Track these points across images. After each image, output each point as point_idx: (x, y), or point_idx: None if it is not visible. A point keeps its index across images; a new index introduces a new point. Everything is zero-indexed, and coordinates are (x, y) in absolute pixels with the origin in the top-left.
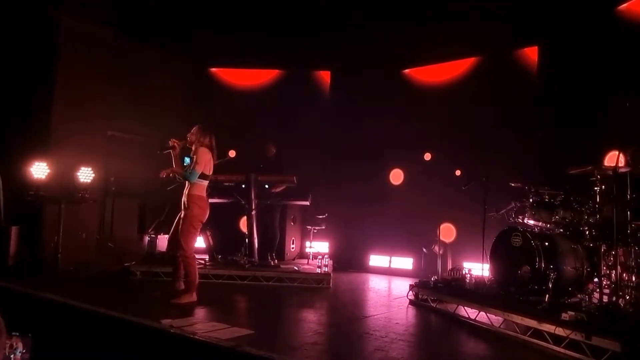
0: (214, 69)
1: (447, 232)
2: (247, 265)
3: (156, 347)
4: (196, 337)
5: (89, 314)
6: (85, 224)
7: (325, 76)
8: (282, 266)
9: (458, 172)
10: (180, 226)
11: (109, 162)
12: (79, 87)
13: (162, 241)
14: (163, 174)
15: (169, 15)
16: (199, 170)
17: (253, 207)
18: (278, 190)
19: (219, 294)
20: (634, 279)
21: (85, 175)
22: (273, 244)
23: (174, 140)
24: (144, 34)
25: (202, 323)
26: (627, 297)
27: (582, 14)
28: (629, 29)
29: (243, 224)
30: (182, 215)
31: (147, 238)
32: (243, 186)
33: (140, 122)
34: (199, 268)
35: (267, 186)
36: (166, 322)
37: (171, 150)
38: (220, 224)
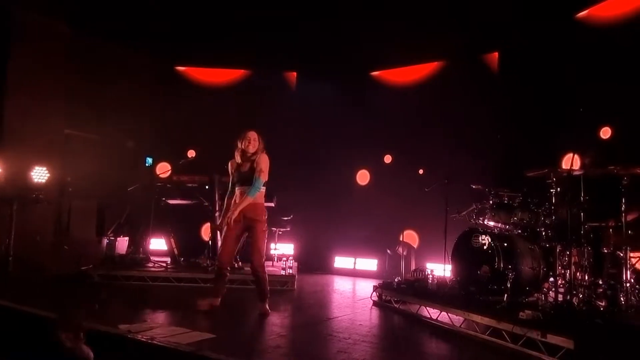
0: (178, 68)
1: (411, 233)
2: (210, 268)
3: (113, 353)
4: (155, 342)
5: (39, 319)
6: (39, 226)
7: (291, 77)
8: (245, 268)
9: (421, 171)
10: (254, 240)
11: (65, 161)
12: (33, 83)
13: (122, 243)
14: (233, 215)
15: (131, 12)
16: (265, 178)
17: (217, 209)
18: None
19: (181, 297)
20: (586, 278)
21: (40, 175)
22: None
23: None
24: (104, 31)
25: (161, 328)
26: (581, 296)
27: (541, 22)
28: (586, 35)
29: (207, 226)
30: (252, 228)
31: (106, 240)
32: (207, 187)
33: (100, 121)
34: (160, 271)
35: None
36: (123, 327)
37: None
38: (183, 226)
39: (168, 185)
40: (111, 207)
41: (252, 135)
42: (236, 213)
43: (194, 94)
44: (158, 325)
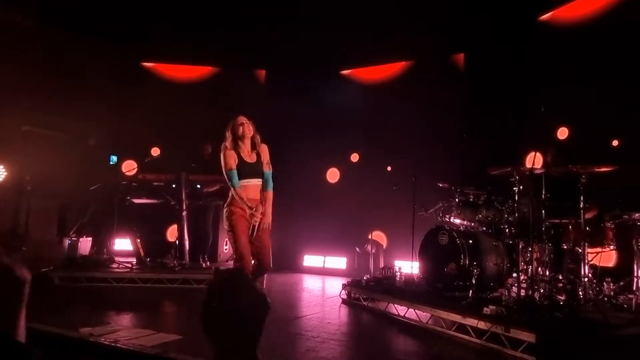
0: (145, 64)
1: (380, 231)
2: (177, 268)
3: (74, 358)
4: (118, 345)
5: None
6: None
7: (261, 75)
8: (214, 268)
9: (389, 169)
10: (264, 234)
11: (24, 159)
12: None
13: (85, 244)
14: (268, 219)
15: (95, 6)
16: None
17: (184, 208)
18: (211, 190)
19: (146, 299)
20: (547, 273)
21: None
22: (205, 245)
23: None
24: (67, 25)
25: (125, 330)
26: (542, 291)
27: (506, 23)
28: (549, 37)
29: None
30: (261, 221)
31: (67, 241)
32: (173, 186)
33: (61, 118)
34: (125, 272)
35: (198, 186)
36: (85, 330)
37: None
38: (149, 226)
39: (133, 184)
40: (73, 207)
41: (243, 119)
42: (270, 215)
43: (161, 90)
44: (122, 328)
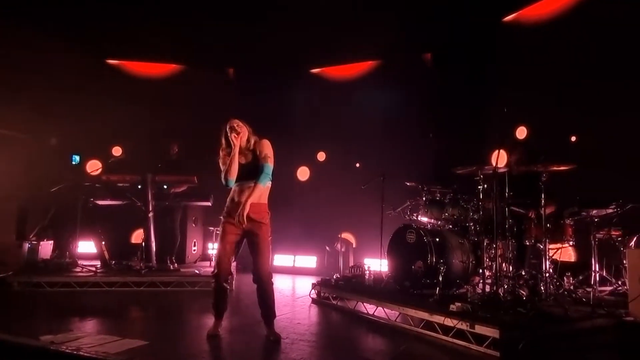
0: (111, 61)
1: (349, 229)
2: (143, 271)
3: None
4: (81, 353)
5: None
6: None
7: (229, 73)
8: (182, 270)
9: (358, 165)
10: (259, 247)
11: None
12: None
13: (46, 247)
14: (243, 212)
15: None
16: (272, 164)
17: (150, 209)
18: (179, 190)
19: (111, 303)
20: (511, 269)
21: None
22: (173, 247)
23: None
24: (28, 21)
25: (89, 337)
26: (506, 287)
27: (471, 24)
28: (513, 38)
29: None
30: (255, 233)
31: (27, 245)
32: (139, 187)
33: (20, 117)
34: (88, 276)
35: (165, 187)
36: (46, 338)
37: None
38: (114, 228)
39: (97, 185)
40: (33, 209)
41: (235, 121)
42: (247, 207)
43: (126, 88)
44: (85, 335)
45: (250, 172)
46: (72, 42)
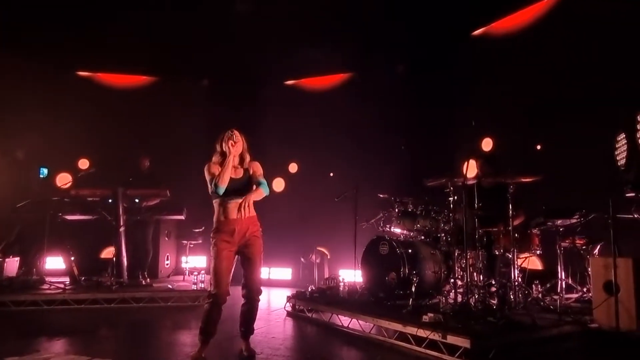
0: (82, 73)
1: (324, 240)
2: (114, 287)
3: None
4: None
5: None
6: None
7: (204, 85)
8: (154, 285)
9: (331, 174)
10: (253, 261)
11: None
12: None
13: (12, 264)
14: (245, 206)
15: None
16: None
17: (121, 224)
18: (151, 204)
19: (81, 322)
20: (481, 278)
21: None
22: (145, 261)
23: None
24: None
25: (57, 358)
26: (476, 296)
27: (441, 38)
28: (481, 52)
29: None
30: (250, 246)
31: None
32: (110, 201)
33: None
34: (57, 293)
35: (137, 200)
36: None
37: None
38: (84, 243)
39: (65, 200)
40: None
41: (235, 132)
42: (251, 199)
43: (97, 100)
44: (53, 355)
45: (241, 188)
46: (40, 53)
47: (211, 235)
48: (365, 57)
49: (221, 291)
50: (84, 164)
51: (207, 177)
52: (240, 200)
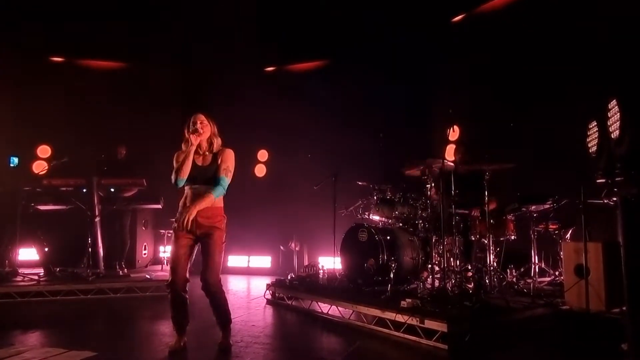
0: (54, 59)
1: (303, 230)
2: (90, 278)
3: None
4: None
5: None
6: None
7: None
8: (132, 275)
9: (309, 155)
10: (210, 252)
11: None
12: None
13: None
14: (190, 216)
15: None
16: (230, 178)
17: (96, 214)
18: (129, 194)
19: (56, 313)
20: (458, 263)
21: None
22: (122, 251)
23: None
24: None
25: (32, 351)
26: (453, 281)
27: (420, 24)
28: (459, 38)
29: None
30: (208, 237)
31: None
32: (84, 190)
33: None
34: (31, 285)
35: (112, 190)
36: None
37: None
38: (58, 233)
39: (38, 190)
40: None
41: (200, 118)
42: (194, 212)
43: (71, 87)
44: (28, 349)
45: (207, 177)
46: (11, 39)
47: (174, 221)
48: (342, 43)
49: (177, 278)
50: (44, 150)
51: (174, 165)
52: (203, 190)
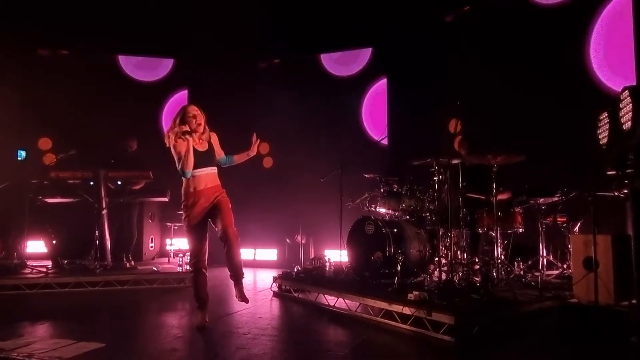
0: (44, 51)
1: (310, 221)
2: (98, 270)
3: None
4: (33, 359)
5: None
6: None
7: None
8: (139, 267)
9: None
10: (223, 210)
11: None
12: None
13: None
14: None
15: None
16: None
17: (103, 206)
18: (137, 187)
19: (64, 305)
20: (465, 256)
21: None
22: (129, 244)
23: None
24: None
25: (41, 342)
26: (460, 274)
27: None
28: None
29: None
30: (218, 204)
31: None
32: (91, 183)
33: None
34: (39, 277)
35: (119, 183)
36: None
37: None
38: (66, 226)
39: (45, 182)
40: None
41: (194, 109)
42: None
43: (69, 81)
44: (37, 340)
45: (209, 159)
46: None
47: (182, 207)
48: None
49: (200, 258)
50: (45, 143)
51: (175, 156)
52: (208, 170)
